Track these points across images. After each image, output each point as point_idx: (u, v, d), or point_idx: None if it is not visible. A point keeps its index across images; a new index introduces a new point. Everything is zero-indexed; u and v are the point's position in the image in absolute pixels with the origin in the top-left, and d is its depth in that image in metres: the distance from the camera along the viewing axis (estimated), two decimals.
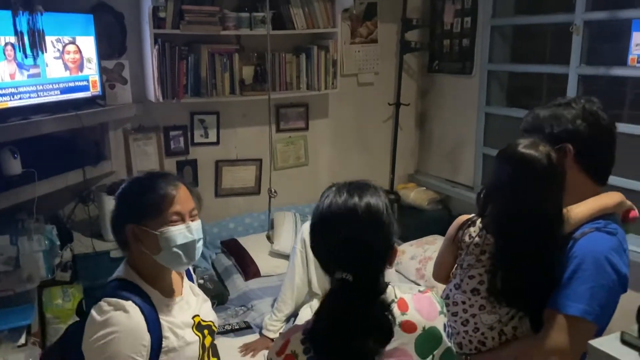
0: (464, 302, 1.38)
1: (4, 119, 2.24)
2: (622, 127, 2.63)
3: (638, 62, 2.73)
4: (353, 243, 1.01)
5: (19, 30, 1.50)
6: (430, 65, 3.82)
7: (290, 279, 2.44)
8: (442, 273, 1.51)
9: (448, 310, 1.43)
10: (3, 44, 2.21)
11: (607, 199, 1.33)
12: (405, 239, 3.25)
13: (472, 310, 1.37)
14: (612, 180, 2.55)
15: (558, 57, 2.92)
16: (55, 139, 2.65)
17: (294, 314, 2.45)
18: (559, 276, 1.26)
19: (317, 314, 1.06)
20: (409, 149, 4.03)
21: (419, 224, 3.54)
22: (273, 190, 2.91)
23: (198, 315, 1.39)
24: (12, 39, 2.22)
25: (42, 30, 1.52)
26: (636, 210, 1.37)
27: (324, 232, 1.05)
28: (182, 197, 1.31)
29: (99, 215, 2.83)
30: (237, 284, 2.93)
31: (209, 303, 1.48)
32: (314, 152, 3.64)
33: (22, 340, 2.08)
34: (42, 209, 2.55)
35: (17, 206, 2.45)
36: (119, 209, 1.32)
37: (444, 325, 1.11)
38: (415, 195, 3.81)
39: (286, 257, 2.88)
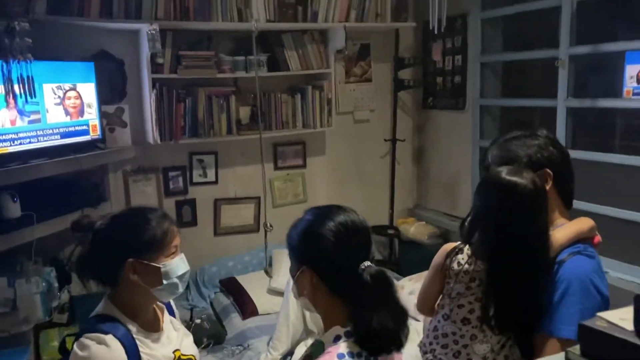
0: (454, 333, 1.38)
1: (4, 163, 2.31)
2: (613, 158, 2.67)
3: (634, 94, 2.79)
4: (368, 240, 1.16)
5: (11, 77, 1.57)
6: (424, 101, 3.90)
7: (285, 315, 2.43)
8: (427, 304, 1.51)
9: (437, 343, 1.43)
10: (3, 92, 2.30)
11: (582, 224, 1.36)
12: (405, 273, 3.24)
13: (464, 340, 1.37)
14: (605, 210, 2.60)
15: (547, 90, 2.98)
16: (55, 182, 2.70)
17: (290, 352, 2.43)
18: (546, 300, 1.27)
19: (360, 314, 1.08)
20: (407, 183, 4.06)
21: (418, 258, 3.52)
22: (269, 225, 2.95)
23: (179, 350, 1.40)
24: (14, 87, 2.32)
25: (31, 76, 1.60)
26: (599, 236, 1.40)
27: (350, 240, 1.13)
28: (176, 231, 1.38)
29: None
30: (235, 323, 2.92)
31: (190, 338, 1.50)
32: (312, 188, 3.68)
33: None
34: (42, 251, 2.58)
35: (15, 248, 2.49)
36: (115, 243, 1.32)
37: None
38: (415, 230, 3.81)
39: (283, 294, 2.87)
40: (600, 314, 0.71)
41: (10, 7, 1.52)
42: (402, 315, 1.12)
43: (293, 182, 3.65)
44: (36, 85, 2.45)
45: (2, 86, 2.28)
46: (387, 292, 1.11)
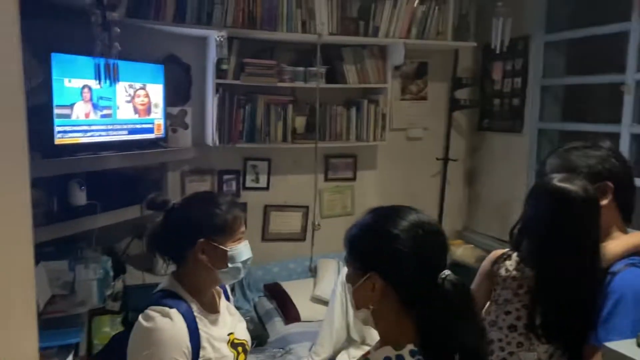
0: (500, 340, 1.36)
1: (76, 152, 2.45)
2: None
3: None
4: (445, 245, 1.07)
5: (100, 63, 1.69)
6: (480, 123, 3.87)
7: (329, 322, 2.44)
8: None
9: None
10: (81, 86, 2.46)
11: (637, 237, 1.33)
12: None
13: (510, 347, 1.35)
14: None
15: (609, 117, 2.90)
16: (119, 176, 2.84)
17: (331, 359, 2.43)
18: (597, 311, 1.24)
19: (432, 327, 0.98)
20: (457, 205, 4.01)
21: (465, 281, 3.46)
22: (317, 223, 2.98)
23: (233, 333, 1.44)
24: (90, 82, 2.47)
25: (117, 64, 1.71)
26: None
27: (428, 243, 1.03)
28: (244, 218, 1.45)
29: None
30: (277, 327, 2.95)
31: (244, 323, 1.54)
32: (361, 202, 3.70)
33: (70, 359, 2.17)
34: (101, 241, 2.71)
35: (78, 235, 2.62)
36: (189, 223, 1.38)
37: None
38: (462, 252, 3.75)
39: (327, 303, 2.88)
40: None
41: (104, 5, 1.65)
42: (482, 337, 1.02)
43: (342, 194, 3.68)
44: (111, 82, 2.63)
45: (81, 80, 2.45)
46: (468, 306, 0.99)
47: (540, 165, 1.51)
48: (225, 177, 3.36)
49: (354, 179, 3.68)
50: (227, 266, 1.38)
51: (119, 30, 1.63)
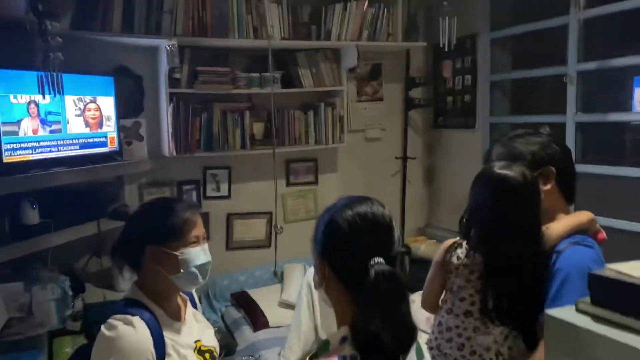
0: (457, 327, 1.40)
1: (25, 170, 2.37)
2: (624, 171, 2.69)
3: None
4: (387, 236, 1.07)
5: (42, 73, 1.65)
6: (435, 121, 3.96)
7: (297, 325, 2.44)
8: (431, 300, 1.53)
9: (442, 337, 1.44)
10: (27, 101, 2.39)
11: (581, 217, 1.39)
12: (415, 290, 3.23)
13: (467, 333, 1.38)
14: (615, 223, 2.60)
15: (556, 107, 3.02)
16: (73, 192, 2.76)
17: None
18: (546, 291, 1.28)
19: (362, 316, 0.99)
20: (418, 202, 4.08)
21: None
22: (279, 227, 2.98)
23: (200, 341, 1.42)
24: (37, 97, 2.41)
25: (61, 75, 1.67)
26: (604, 233, 1.41)
27: (365, 232, 1.06)
28: (199, 222, 1.42)
29: (111, 267, 2.90)
30: (246, 335, 2.92)
31: (211, 330, 1.52)
32: (324, 205, 3.65)
33: None
34: (57, 260, 2.63)
35: (33, 255, 2.53)
36: (137, 230, 1.39)
37: None
38: (425, 248, 3.81)
39: (295, 307, 2.87)
40: (609, 265, 0.73)
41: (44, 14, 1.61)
42: (406, 328, 1.00)
43: (305, 198, 3.69)
44: (58, 97, 2.56)
45: (27, 96, 2.39)
46: (394, 296, 0.99)
47: (486, 154, 1.56)
48: (185, 187, 3.32)
49: (315, 182, 3.70)
50: (180, 271, 1.36)
51: (60, 40, 1.59)
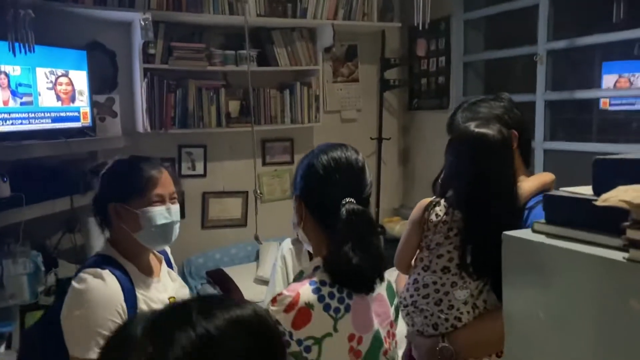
0: (435, 283, 1.43)
1: None
2: (591, 147, 2.77)
3: (611, 105, 2.92)
4: (359, 179, 1.16)
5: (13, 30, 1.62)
6: (410, 103, 4.01)
7: (272, 293, 2.45)
8: (406, 260, 1.55)
9: (418, 294, 1.48)
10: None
11: (545, 177, 1.46)
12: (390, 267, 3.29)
13: (444, 288, 1.41)
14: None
15: (526, 86, 3.09)
16: (46, 167, 2.72)
17: None
18: None
19: (336, 247, 1.08)
20: (394, 183, 4.13)
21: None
22: (259, 192, 2.98)
23: (173, 297, 1.43)
24: (7, 67, 2.37)
25: (32, 34, 1.65)
26: None
27: (338, 175, 1.13)
28: (164, 181, 1.40)
29: (84, 243, 2.87)
30: None
31: (187, 290, 1.53)
32: None
33: (1, 350, 2.08)
34: (30, 235, 2.59)
35: (4, 229, 2.49)
36: (103, 188, 1.39)
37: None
38: (400, 228, 3.87)
39: None
40: (562, 188, 0.77)
41: None
42: (376, 259, 1.10)
43: (281, 178, 3.71)
44: (29, 69, 2.52)
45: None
46: (363, 231, 1.10)
47: (450, 119, 1.59)
48: None
49: (292, 162, 3.71)
50: (142, 230, 1.35)
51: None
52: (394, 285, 1.22)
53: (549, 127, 3.00)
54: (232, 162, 3.49)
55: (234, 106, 3.33)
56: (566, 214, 0.72)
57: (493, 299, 1.40)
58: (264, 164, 3.63)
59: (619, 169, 0.69)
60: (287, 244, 2.84)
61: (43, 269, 2.60)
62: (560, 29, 2.92)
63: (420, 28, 3.00)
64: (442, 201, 1.47)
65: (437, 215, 1.46)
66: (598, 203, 0.60)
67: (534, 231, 0.77)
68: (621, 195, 0.58)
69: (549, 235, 0.73)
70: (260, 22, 3.21)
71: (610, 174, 0.68)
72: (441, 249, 1.43)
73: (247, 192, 3.52)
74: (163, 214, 1.38)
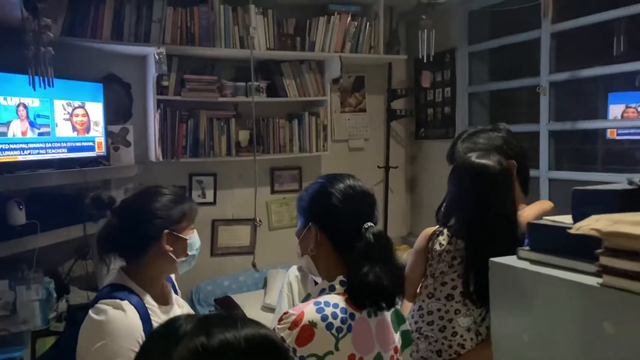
0: (439, 310, 1.46)
1: (13, 170, 2.42)
2: (596, 176, 2.80)
3: (618, 134, 2.97)
4: (372, 205, 1.26)
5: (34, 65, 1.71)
6: (417, 132, 4.07)
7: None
8: (411, 289, 1.59)
9: (423, 321, 1.51)
10: (17, 104, 2.45)
11: (545, 205, 1.50)
12: None
13: (448, 315, 1.45)
14: None
15: (530, 116, 3.14)
16: (60, 195, 2.80)
17: None
18: None
19: (359, 267, 1.15)
20: (401, 211, 4.16)
21: None
22: (258, 220, 3.04)
23: None
24: (26, 100, 2.48)
25: (51, 67, 1.74)
26: None
27: (356, 201, 1.23)
28: None
29: (95, 271, 2.93)
30: None
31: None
32: None
33: None
34: (43, 262, 2.65)
35: (18, 255, 2.56)
36: (151, 216, 1.37)
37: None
38: (407, 257, 3.85)
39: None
40: (545, 217, 0.81)
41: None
42: (399, 276, 1.18)
43: (289, 205, 3.75)
44: (48, 101, 2.63)
45: (17, 98, 2.45)
46: (386, 251, 1.18)
47: (450, 149, 1.64)
48: None
49: (300, 190, 3.76)
50: (187, 255, 1.42)
51: (52, 35, 1.66)
52: (402, 312, 1.27)
53: (554, 157, 3.04)
54: (242, 190, 3.56)
55: (243, 136, 3.41)
56: (548, 241, 0.76)
57: None
58: (273, 191, 3.69)
59: (594, 198, 0.74)
60: (294, 271, 2.88)
61: (55, 295, 2.65)
62: (563, 61, 2.98)
63: (425, 60, 3.10)
64: (445, 230, 1.51)
65: (440, 244, 1.50)
66: (571, 231, 0.65)
67: (519, 258, 0.81)
68: (593, 224, 0.63)
69: (532, 261, 0.77)
70: (270, 55, 3.31)
71: (586, 203, 0.73)
72: (445, 277, 1.47)
73: (255, 219, 3.57)
74: (197, 238, 1.48)
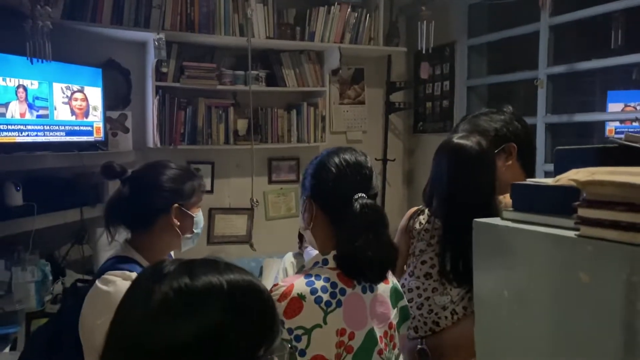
0: (417, 287, 1.48)
1: (11, 151, 2.44)
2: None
3: (615, 133, 2.98)
4: (367, 177, 1.23)
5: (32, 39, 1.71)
6: (415, 126, 4.08)
7: None
8: (398, 266, 1.61)
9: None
10: (16, 85, 2.47)
11: None
12: None
13: (426, 293, 1.46)
14: None
15: (527, 109, 3.15)
16: (57, 178, 2.81)
17: None
18: None
19: (348, 239, 1.14)
20: (398, 204, 4.17)
21: None
22: (255, 200, 3.04)
23: None
24: (26, 81, 2.49)
25: (48, 42, 1.74)
26: None
27: (350, 173, 1.21)
28: None
29: (92, 255, 2.95)
30: None
31: None
32: None
33: (6, 350, 2.13)
34: (39, 245, 2.67)
35: (15, 237, 2.57)
36: (162, 189, 1.37)
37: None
38: None
39: None
40: (528, 179, 0.83)
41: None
42: (388, 249, 1.17)
43: (286, 196, 3.77)
44: (47, 83, 2.64)
45: (15, 80, 2.46)
46: (376, 223, 1.16)
47: (452, 132, 1.65)
48: None
49: (297, 180, 3.78)
50: (193, 232, 1.42)
51: (50, 9, 1.67)
52: (399, 288, 1.28)
53: (550, 150, 3.05)
54: (239, 179, 3.57)
55: (242, 124, 3.43)
56: (530, 200, 0.77)
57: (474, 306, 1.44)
58: (270, 182, 3.70)
59: (575, 156, 0.75)
60: (289, 257, 2.91)
61: (51, 277, 2.66)
62: (561, 55, 2.99)
63: (424, 52, 3.11)
64: (426, 210, 1.53)
65: (420, 223, 1.51)
66: (551, 182, 0.66)
67: (503, 218, 0.82)
68: (572, 175, 0.64)
69: (514, 220, 0.78)
70: (269, 44, 3.33)
71: (568, 161, 0.74)
72: (424, 256, 1.49)
73: (252, 208, 3.59)
74: (202, 219, 1.47)
